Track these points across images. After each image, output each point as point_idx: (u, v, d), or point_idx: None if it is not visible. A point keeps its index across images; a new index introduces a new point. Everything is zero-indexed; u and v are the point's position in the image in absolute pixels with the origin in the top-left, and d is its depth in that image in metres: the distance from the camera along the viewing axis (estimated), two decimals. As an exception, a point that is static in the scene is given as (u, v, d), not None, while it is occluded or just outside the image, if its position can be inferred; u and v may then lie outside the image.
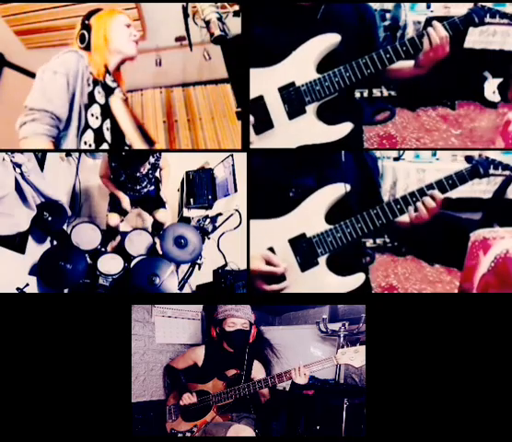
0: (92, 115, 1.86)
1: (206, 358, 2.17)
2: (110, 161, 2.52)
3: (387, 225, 1.71)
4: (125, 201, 2.62)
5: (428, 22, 2.60)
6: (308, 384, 1.92)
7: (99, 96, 1.89)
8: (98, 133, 1.88)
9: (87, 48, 1.88)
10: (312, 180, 1.75)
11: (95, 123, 1.87)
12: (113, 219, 2.65)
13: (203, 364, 2.16)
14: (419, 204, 1.68)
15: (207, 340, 2.29)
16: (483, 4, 1.72)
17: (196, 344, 2.38)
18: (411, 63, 1.76)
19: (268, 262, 1.69)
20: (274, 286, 1.69)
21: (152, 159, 2.56)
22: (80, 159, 2.90)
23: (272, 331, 2.37)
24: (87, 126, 1.85)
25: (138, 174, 2.57)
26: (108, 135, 1.93)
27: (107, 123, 1.92)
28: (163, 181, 2.73)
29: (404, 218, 1.72)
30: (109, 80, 1.93)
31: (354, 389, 2.09)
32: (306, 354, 2.27)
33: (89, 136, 1.86)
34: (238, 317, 2.11)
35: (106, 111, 1.91)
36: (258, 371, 2.15)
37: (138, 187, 2.63)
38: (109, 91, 1.94)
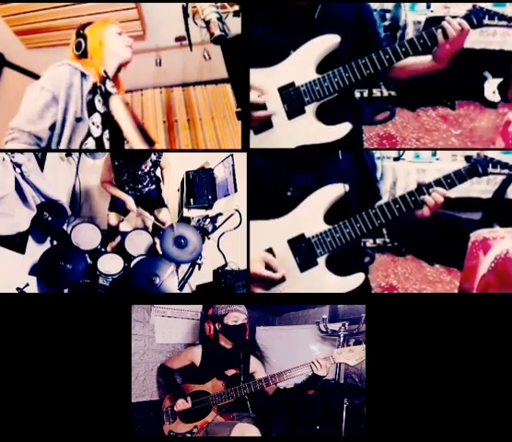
0: (93, 124, 1.88)
1: (204, 358, 2.16)
2: (112, 162, 2.52)
3: (387, 222, 1.71)
4: (130, 202, 2.62)
5: (428, 22, 2.61)
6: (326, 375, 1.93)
7: (99, 104, 1.91)
8: (99, 143, 1.91)
9: (84, 54, 1.92)
10: (310, 179, 1.75)
11: (96, 132, 1.89)
12: (114, 219, 2.66)
13: (201, 363, 2.15)
14: (428, 198, 1.68)
15: (203, 340, 2.28)
16: (482, 5, 1.73)
17: (195, 344, 2.38)
18: (427, 58, 1.77)
19: (268, 266, 1.69)
20: (275, 289, 1.69)
21: (154, 157, 2.56)
22: (80, 159, 2.90)
23: (263, 331, 2.39)
24: (89, 134, 1.87)
25: (140, 172, 2.57)
26: (107, 146, 1.95)
27: (106, 134, 1.94)
28: (164, 181, 2.73)
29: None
30: (108, 85, 1.96)
31: (355, 389, 2.09)
32: (306, 354, 2.27)
33: (91, 144, 1.89)
34: (242, 312, 2.13)
35: (106, 121, 1.93)
36: (256, 367, 2.17)
37: (140, 186, 2.63)
38: (108, 98, 1.95)
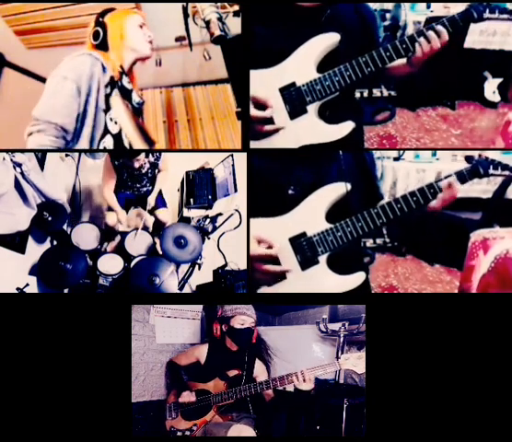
0: (111, 120, 1.85)
1: (209, 357, 2.17)
2: (113, 163, 2.51)
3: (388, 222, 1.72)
4: (121, 214, 2.62)
5: (428, 22, 2.61)
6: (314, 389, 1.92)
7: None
8: (118, 140, 1.88)
9: (101, 46, 1.85)
10: (311, 177, 1.75)
11: (114, 129, 1.86)
12: (111, 218, 2.65)
13: (206, 362, 2.17)
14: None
15: (209, 339, 2.29)
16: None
17: (202, 342, 2.38)
18: (403, 60, 1.77)
19: (260, 241, 1.69)
20: (276, 267, 1.69)
21: (152, 158, 2.57)
22: (80, 159, 2.90)
23: (267, 332, 2.38)
24: (107, 131, 1.84)
25: (137, 172, 2.57)
26: (126, 143, 1.93)
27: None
28: (157, 184, 2.71)
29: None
30: (125, 81, 1.92)
31: (355, 389, 2.09)
32: (306, 354, 2.27)
33: (109, 142, 1.86)
34: (249, 315, 2.13)
35: None
36: (260, 371, 2.16)
37: (138, 185, 2.64)
38: (126, 93, 1.92)
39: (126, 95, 1.93)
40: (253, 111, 1.71)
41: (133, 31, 1.90)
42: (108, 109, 1.84)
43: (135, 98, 1.98)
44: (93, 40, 1.86)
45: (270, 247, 1.69)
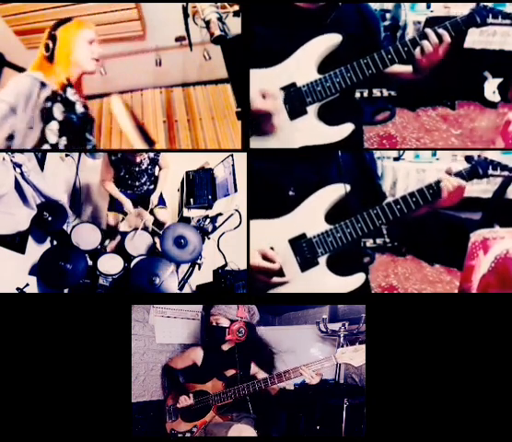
0: (50, 131, 1.89)
1: (205, 358, 2.17)
2: (109, 159, 2.52)
3: (387, 222, 1.72)
4: (127, 203, 2.62)
5: (428, 22, 2.61)
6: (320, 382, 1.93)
7: (58, 112, 1.91)
8: (55, 150, 1.94)
9: (50, 58, 1.91)
10: (311, 178, 1.75)
11: (52, 139, 1.90)
12: (113, 218, 2.66)
13: (203, 364, 2.17)
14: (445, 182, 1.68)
15: (206, 340, 2.29)
16: (485, 4, 1.71)
17: (196, 344, 2.38)
18: (409, 68, 1.76)
19: (264, 257, 1.69)
20: (276, 279, 1.69)
21: (151, 155, 2.57)
22: (80, 159, 2.90)
23: (267, 332, 2.38)
24: (45, 140, 1.89)
25: (137, 169, 2.57)
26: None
27: (63, 141, 1.94)
28: (159, 183, 2.71)
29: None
30: (69, 94, 1.95)
31: (355, 389, 2.09)
32: (306, 354, 2.27)
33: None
34: (212, 314, 2.16)
35: (65, 128, 1.94)
36: (256, 370, 2.16)
37: (137, 183, 2.64)
38: (69, 105, 1.95)
39: (69, 106, 1.95)
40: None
41: (81, 47, 1.94)
42: (48, 121, 1.88)
43: (79, 108, 2.00)
44: (44, 51, 1.91)
45: (273, 262, 1.69)
